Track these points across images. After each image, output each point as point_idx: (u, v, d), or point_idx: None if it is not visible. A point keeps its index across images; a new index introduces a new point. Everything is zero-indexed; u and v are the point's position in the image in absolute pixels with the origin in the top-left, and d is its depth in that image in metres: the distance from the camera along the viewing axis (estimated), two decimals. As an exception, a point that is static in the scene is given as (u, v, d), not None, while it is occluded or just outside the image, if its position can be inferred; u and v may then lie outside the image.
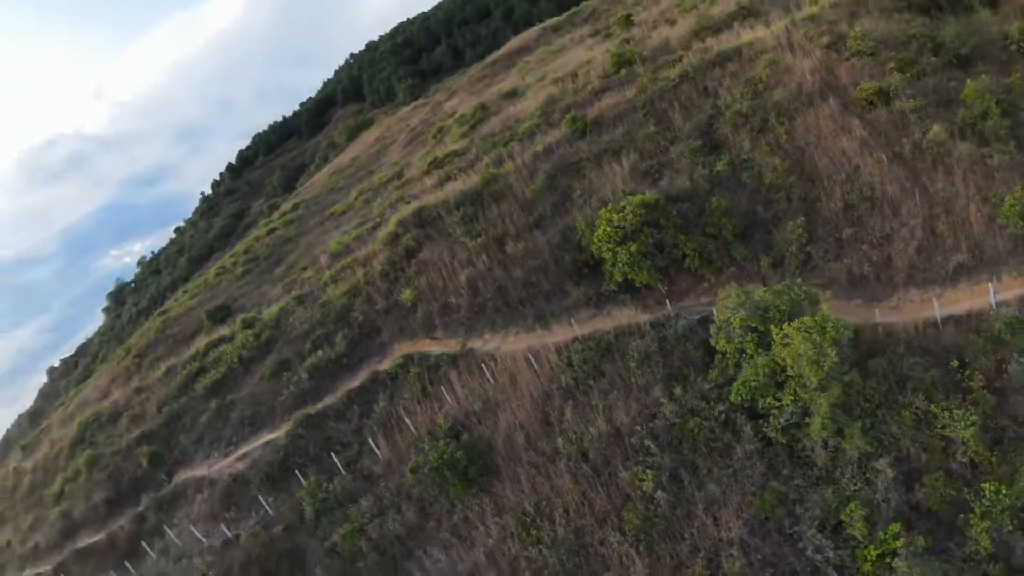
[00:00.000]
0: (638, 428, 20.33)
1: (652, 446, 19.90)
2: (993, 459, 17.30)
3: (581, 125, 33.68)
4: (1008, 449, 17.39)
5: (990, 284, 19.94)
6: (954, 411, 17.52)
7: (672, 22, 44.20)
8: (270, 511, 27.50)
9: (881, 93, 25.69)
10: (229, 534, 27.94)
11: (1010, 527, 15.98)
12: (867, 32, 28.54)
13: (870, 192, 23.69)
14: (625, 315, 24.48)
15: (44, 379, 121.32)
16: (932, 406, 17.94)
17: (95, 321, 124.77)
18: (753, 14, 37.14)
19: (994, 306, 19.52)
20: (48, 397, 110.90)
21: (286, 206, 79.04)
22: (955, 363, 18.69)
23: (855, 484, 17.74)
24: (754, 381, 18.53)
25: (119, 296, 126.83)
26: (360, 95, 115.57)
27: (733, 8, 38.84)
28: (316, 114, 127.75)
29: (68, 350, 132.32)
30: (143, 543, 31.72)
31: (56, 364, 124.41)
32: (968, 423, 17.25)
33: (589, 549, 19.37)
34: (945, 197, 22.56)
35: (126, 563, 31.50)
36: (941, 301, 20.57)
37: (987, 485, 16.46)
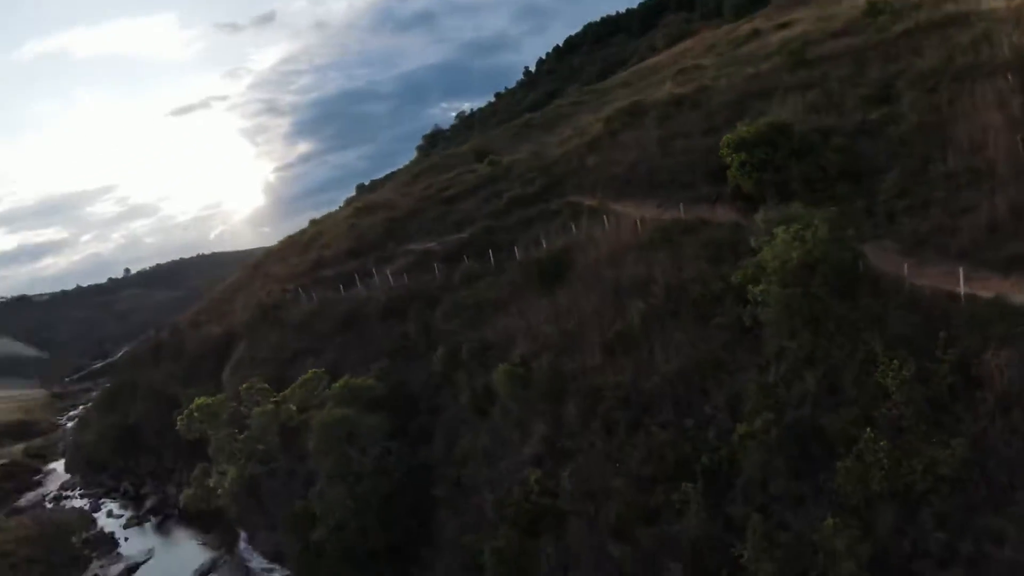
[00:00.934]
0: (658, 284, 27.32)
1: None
2: (917, 427, 18.18)
3: (795, 59, 38.59)
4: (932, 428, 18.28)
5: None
6: (895, 362, 18.57)
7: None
8: (437, 275, 40.45)
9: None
10: (404, 281, 41.83)
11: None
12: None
13: (979, 166, 26.69)
14: (722, 213, 31.16)
15: (352, 193, 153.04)
16: (883, 351, 19.27)
17: (408, 157, 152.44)
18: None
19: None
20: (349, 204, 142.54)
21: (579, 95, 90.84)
22: (944, 335, 19.25)
23: (781, 386, 20.76)
24: (749, 270, 24.16)
25: (433, 140, 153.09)
26: (692, 5, 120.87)
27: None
28: (647, 15, 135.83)
29: (378, 175, 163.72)
30: (357, 279, 47.38)
31: (365, 183, 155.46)
32: (900, 379, 18.40)
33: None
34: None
35: (341, 288, 47.59)
36: (982, 285, 21.30)
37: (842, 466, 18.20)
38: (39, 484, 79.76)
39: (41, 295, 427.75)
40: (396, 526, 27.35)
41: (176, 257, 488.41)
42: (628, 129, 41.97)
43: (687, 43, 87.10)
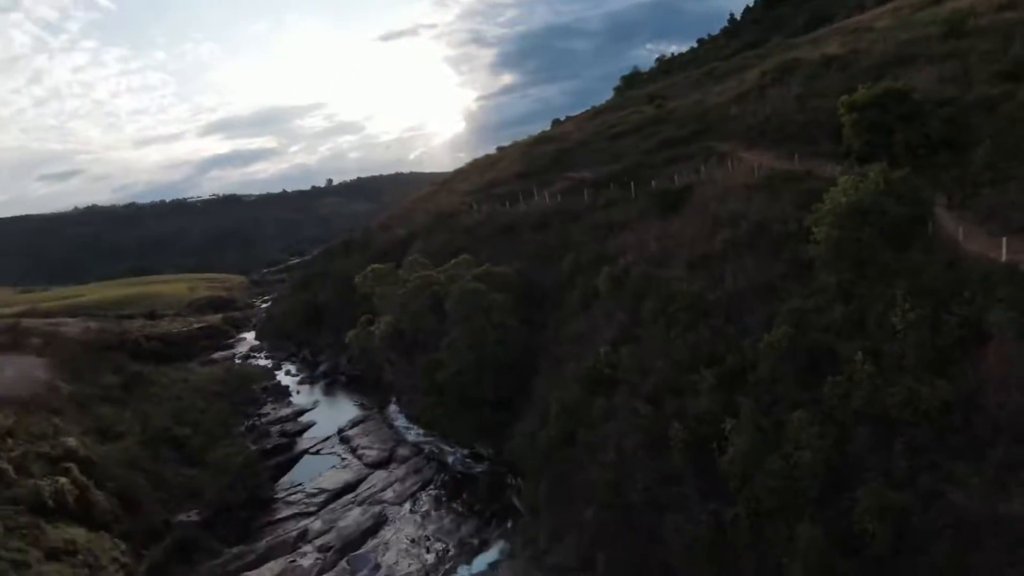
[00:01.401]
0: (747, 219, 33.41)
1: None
2: (916, 367, 20.88)
3: (950, 28, 41.50)
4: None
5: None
6: (907, 305, 21.73)
7: None
8: (585, 199, 48.45)
9: None
10: (558, 201, 50.19)
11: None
12: None
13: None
14: (830, 169, 36.23)
15: (548, 127, 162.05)
16: (905, 297, 22.28)
17: (606, 97, 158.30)
18: None
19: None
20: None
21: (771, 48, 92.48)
22: (967, 294, 21.91)
23: (812, 313, 25.87)
24: (818, 212, 29.40)
25: (630, 81, 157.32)
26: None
27: None
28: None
29: (576, 112, 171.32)
30: (520, 197, 56.49)
31: (561, 119, 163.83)
32: (906, 321, 21.56)
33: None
34: None
35: (507, 204, 56.93)
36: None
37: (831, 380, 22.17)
38: (231, 346, 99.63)
39: (250, 195, 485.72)
40: (504, 383, 36.37)
41: (376, 173, 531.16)
42: (776, 85, 46.56)
43: (895, 3, 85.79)
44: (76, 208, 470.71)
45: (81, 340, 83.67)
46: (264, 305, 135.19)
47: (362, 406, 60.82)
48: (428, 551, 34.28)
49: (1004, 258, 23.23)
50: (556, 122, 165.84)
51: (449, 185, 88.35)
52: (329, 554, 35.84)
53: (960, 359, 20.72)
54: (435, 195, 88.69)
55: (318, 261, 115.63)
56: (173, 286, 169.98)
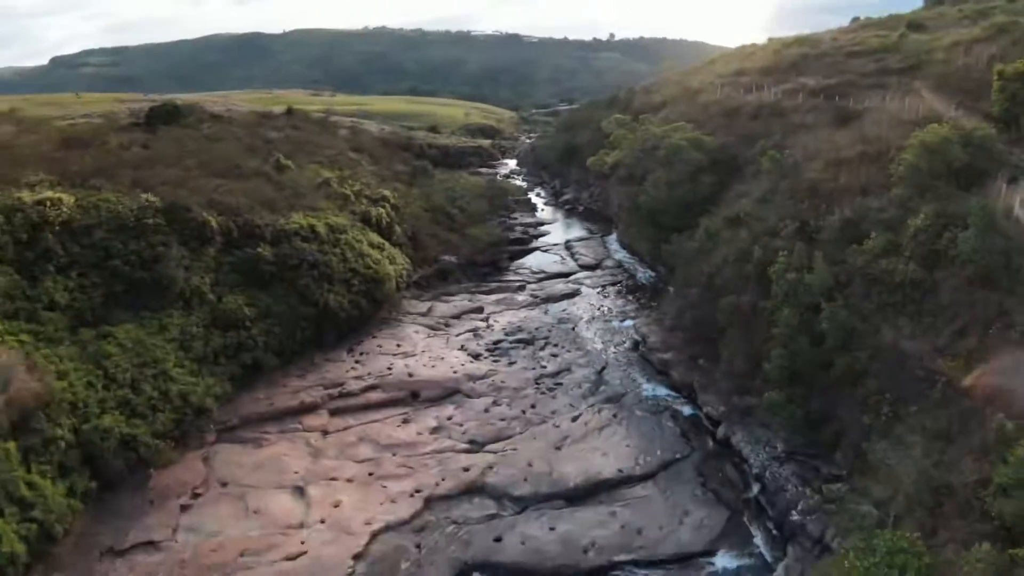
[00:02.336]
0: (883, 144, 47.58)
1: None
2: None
3: None
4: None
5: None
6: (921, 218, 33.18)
7: None
8: (799, 100, 63.22)
9: None
10: (779, 98, 65.43)
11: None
12: None
13: None
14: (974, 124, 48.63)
15: (844, 23, 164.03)
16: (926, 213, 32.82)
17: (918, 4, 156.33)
18: None
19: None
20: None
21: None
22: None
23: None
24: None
25: None
26: None
27: None
28: None
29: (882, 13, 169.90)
30: (753, 89, 71.65)
31: (860, 17, 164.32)
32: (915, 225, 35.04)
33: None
34: None
35: (742, 92, 72.50)
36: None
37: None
38: (494, 167, 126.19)
39: (531, 37, 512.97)
40: (683, 216, 54.42)
41: (660, 36, 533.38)
42: (989, 42, 56.28)
43: None
44: (366, 28, 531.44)
45: (378, 137, 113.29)
46: (528, 140, 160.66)
47: (589, 230, 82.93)
48: (599, 311, 55.36)
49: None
50: (855, 20, 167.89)
51: (710, 67, 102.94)
52: (536, 300, 58.20)
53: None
54: (697, 72, 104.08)
55: (584, 109, 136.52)
56: (450, 109, 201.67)
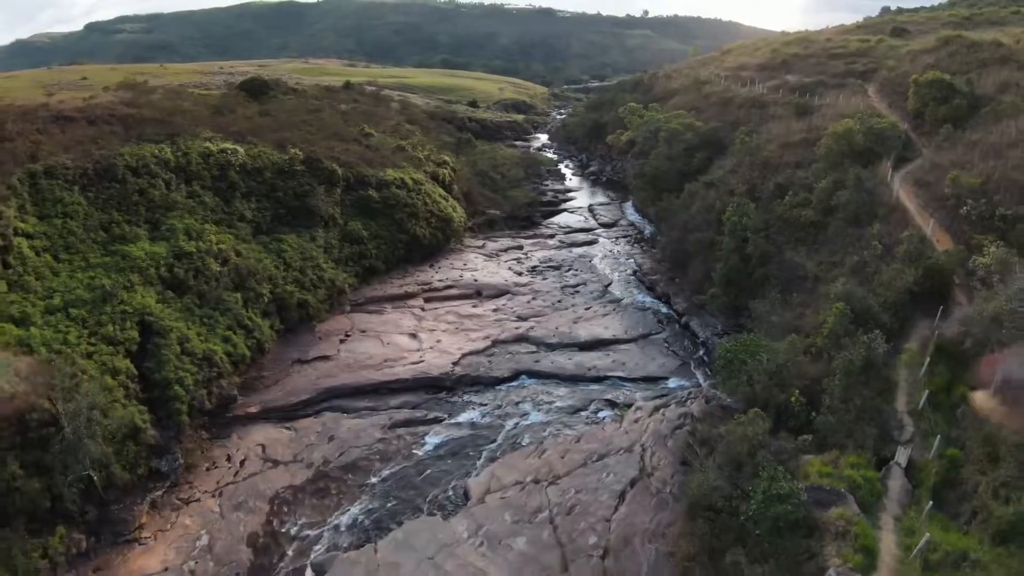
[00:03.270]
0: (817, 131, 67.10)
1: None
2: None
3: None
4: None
5: None
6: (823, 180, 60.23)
7: None
8: (780, 94, 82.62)
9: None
10: (763, 91, 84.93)
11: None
12: None
13: None
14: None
15: (873, 15, 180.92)
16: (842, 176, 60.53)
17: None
18: None
19: None
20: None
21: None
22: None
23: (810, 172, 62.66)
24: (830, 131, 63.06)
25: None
26: None
27: None
28: None
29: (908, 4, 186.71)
30: (749, 83, 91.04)
31: (890, 8, 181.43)
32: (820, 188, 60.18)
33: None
34: None
35: (738, 85, 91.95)
36: None
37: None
38: (527, 140, 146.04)
39: (564, 12, 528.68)
40: (677, 183, 74.06)
41: (695, 15, 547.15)
42: (932, 52, 75.03)
43: None
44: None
45: (425, 110, 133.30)
46: (559, 116, 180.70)
47: (609, 197, 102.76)
48: (610, 252, 75.40)
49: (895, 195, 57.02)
50: (885, 10, 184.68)
51: (721, 59, 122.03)
52: (563, 244, 78.32)
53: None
54: (708, 63, 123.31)
55: (611, 90, 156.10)
56: (485, 84, 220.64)
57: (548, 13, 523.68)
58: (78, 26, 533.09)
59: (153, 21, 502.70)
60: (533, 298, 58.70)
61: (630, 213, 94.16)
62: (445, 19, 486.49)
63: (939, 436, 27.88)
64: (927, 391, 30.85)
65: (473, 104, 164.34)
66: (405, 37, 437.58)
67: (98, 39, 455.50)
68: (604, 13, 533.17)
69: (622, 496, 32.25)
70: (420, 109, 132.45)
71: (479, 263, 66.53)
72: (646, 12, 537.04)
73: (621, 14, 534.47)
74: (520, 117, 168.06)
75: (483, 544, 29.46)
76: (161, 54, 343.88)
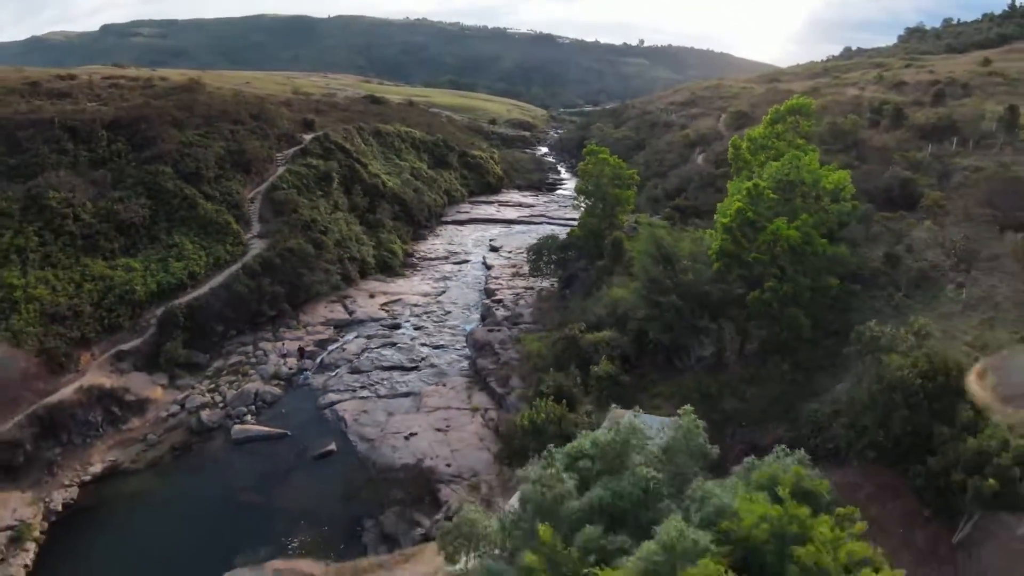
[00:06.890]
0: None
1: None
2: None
3: None
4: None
5: None
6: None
7: None
8: (718, 126, 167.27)
9: None
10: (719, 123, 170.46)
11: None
12: None
13: None
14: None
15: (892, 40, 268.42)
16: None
17: (972, 16, 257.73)
18: None
19: None
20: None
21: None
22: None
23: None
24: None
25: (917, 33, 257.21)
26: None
27: None
28: None
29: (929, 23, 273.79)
30: (696, 119, 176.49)
31: (916, 29, 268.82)
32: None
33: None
34: None
35: (689, 120, 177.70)
36: None
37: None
38: (533, 149, 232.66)
39: (564, 38, 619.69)
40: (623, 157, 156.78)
41: (688, 45, 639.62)
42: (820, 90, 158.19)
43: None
44: (407, 18, 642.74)
45: (462, 124, 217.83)
46: (556, 134, 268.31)
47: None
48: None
49: None
50: (912, 30, 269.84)
51: (663, 96, 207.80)
52: (559, 200, 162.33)
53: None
54: (664, 97, 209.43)
55: (596, 115, 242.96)
56: (494, 105, 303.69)
57: (549, 39, 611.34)
58: (90, 26, 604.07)
59: (168, 27, 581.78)
60: (543, 212, 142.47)
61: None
62: (452, 40, 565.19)
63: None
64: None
65: (492, 122, 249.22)
66: (414, 56, 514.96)
67: (114, 40, 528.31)
68: (602, 40, 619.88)
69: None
70: (458, 123, 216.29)
71: (515, 198, 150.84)
72: (642, 41, 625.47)
73: (618, 42, 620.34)
74: (526, 133, 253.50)
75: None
76: (176, 60, 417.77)
